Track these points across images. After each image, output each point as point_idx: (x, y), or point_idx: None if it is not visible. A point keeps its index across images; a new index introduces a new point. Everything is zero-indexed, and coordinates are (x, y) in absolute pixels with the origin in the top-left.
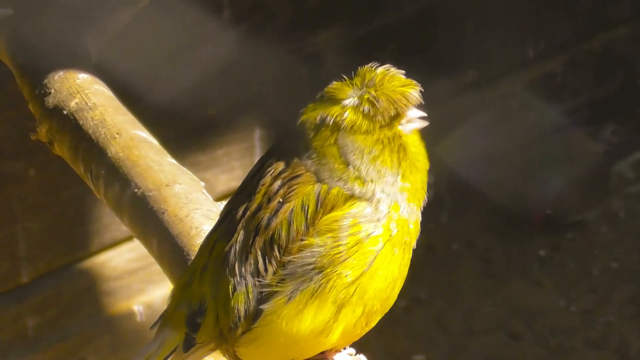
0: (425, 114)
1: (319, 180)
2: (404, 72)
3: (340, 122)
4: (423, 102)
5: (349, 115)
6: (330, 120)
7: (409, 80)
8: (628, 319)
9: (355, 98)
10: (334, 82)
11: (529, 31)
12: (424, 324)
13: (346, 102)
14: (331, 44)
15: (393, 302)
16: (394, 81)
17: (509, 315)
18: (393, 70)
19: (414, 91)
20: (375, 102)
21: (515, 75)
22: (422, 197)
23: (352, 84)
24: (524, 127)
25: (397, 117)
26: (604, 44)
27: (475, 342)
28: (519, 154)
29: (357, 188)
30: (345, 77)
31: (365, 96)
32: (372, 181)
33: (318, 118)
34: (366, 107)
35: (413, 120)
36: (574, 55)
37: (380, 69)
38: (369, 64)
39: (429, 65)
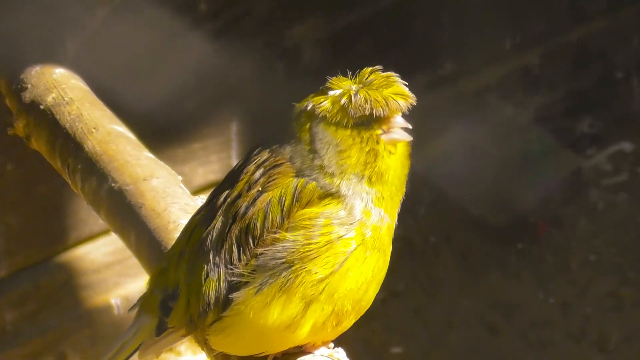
0: (409, 126)
1: (295, 168)
2: (406, 83)
3: (314, 109)
4: (407, 113)
5: (326, 105)
6: (309, 107)
7: (405, 91)
8: (606, 312)
9: (339, 90)
10: (339, 76)
11: (506, 24)
12: (402, 316)
13: (330, 92)
14: (307, 38)
15: (368, 305)
16: (390, 87)
17: (487, 308)
18: (395, 77)
19: (401, 101)
20: (353, 97)
21: (492, 68)
22: (392, 206)
23: (352, 81)
24: (500, 120)
25: (375, 119)
26: (580, 37)
27: (454, 335)
28: (496, 148)
29: (325, 181)
30: (350, 72)
31: (347, 90)
32: (334, 175)
33: (304, 105)
34: (344, 100)
35: (395, 130)
36: (550, 48)
37: (383, 74)
38: (376, 67)
39: (406, 58)
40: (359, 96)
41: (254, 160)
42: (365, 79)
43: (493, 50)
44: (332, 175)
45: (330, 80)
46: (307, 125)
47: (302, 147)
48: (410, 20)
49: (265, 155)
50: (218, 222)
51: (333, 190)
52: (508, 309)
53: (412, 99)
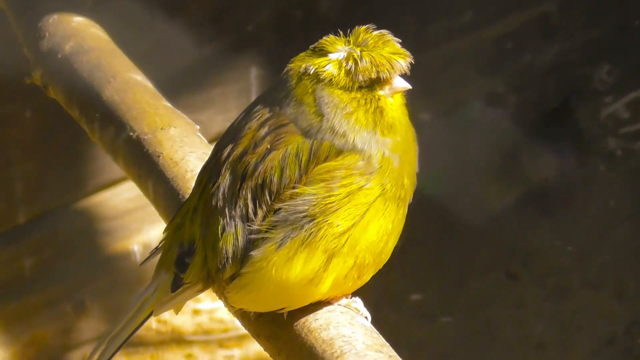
0: (409, 86)
1: (302, 130)
2: (400, 40)
3: (320, 74)
4: (409, 73)
5: (330, 68)
6: (311, 70)
7: (402, 50)
8: (625, 259)
9: (342, 53)
10: (330, 35)
11: None
12: (421, 264)
13: (332, 55)
14: None
15: (387, 257)
16: (386, 47)
17: (506, 255)
18: (389, 36)
19: (402, 61)
20: (359, 61)
21: (510, 17)
22: (409, 151)
23: (345, 41)
24: (519, 68)
25: (378, 81)
26: None
27: (472, 282)
28: (514, 96)
29: (337, 140)
30: (341, 32)
31: (351, 54)
32: (346, 134)
33: (302, 67)
34: (349, 64)
35: (396, 88)
36: None
37: (376, 32)
38: (367, 25)
39: (424, 7)
40: (364, 60)
41: (256, 117)
42: (359, 39)
43: None
44: (344, 134)
45: (322, 41)
46: (310, 89)
47: (305, 109)
48: None
49: (266, 113)
50: (226, 177)
51: (349, 146)
52: (526, 256)
53: (410, 57)
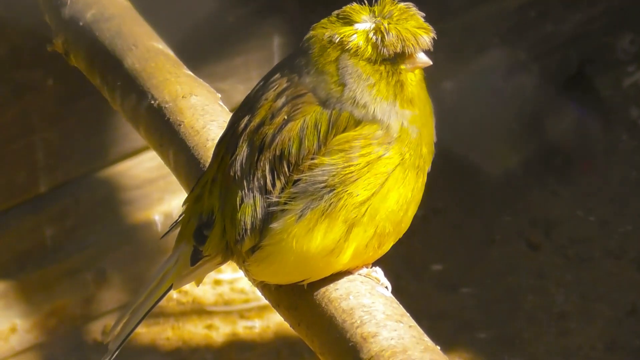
0: (431, 62)
1: (320, 100)
2: (424, 14)
3: (346, 43)
4: (432, 49)
5: (356, 39)
6: (337, 39)
7: (426, 24)
8: None
9: (368, 24)
10: (354, 4)
11: None
12: (442, 233)
13: (358, 25)
14: None
15: (407, 226)
16: (410, 20)
17: (527, 225)
18: (414, 9)
19: (426, 36)
20: (385, 34)
21: None
22: (427, 123)
23: (370, 11)
24: (541, 37)
25: (402, 55)
26: None
27: (494, 252)
28: (537, 65)
29: (357, 111)
30: (366, 1)
31: (378, 26)
32: (367, 105)
33: (326, 35)
34: (376, 36)
35: (416, 62)
36: None
37: (402, 4)
38: None
39: None
40: (391, 34)
41: (272, 87)
42: (385, 10)
43: None
44: (364, 105)
45: (347, 8)
46: (334, 58)
47: (326, 78)
48: None
49: (284, 83)
50: (244, 149)
51: (369, 117)
52: (548, 225)
53: (433, 32)
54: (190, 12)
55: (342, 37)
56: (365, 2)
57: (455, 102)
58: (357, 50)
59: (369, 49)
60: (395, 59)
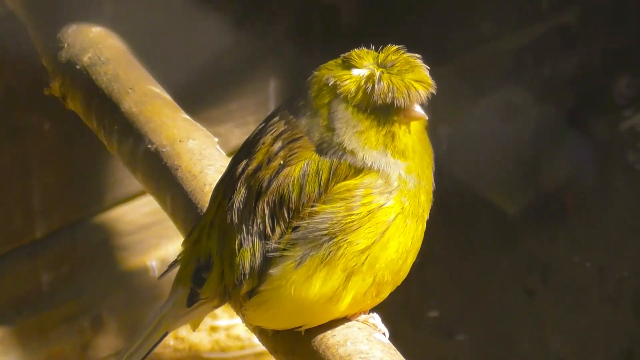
0: (426, 117)
1: (313, 142)
2: (429, 67)
3: (338, 87)
4: (427, 104)
5: (348, 85)
6: (331, 82)
7: (426, 78)
8: None
9: (365, 71)
10: (363, 48)
11: None
12: (439, 279)
13: (355, 71)
14: None
15: (406, 274)
16: (411, 72)
17: (523, 270)
18: (418, 62)
19: (422, 90)
20: (376, 83)
21: (529, 28)
22: (424, 172)
23: (375, 58)
24: (537, 80)
25: (393, 106)
26: None
27: (490, 298)
28: (533, 108)
29: (350, 157)
30: (372, 46)
31: (372, 74)
32: (355, 152)
33: (325, 77)
34: (368, 84)
35: (412, 116)
36: (588, 6)
37: (406, 55)
38: (399, 46)
39: (443, 18)
40: (382, 84)
41: (270, 130)
42: (387, 58)
43: (530, 9)
44: (353, 152)
45: (353, 52)
46: (327, 101)
47: (319, 121)
48: None
49: (281, 126)
50: (241, 193)
51: (359, 163)
52: (544, 271)
53: (432, 87)
54: (186, 56)
55: (335, 81)
56: (373, 47)
57: (452, 146)
58: (347, 95)
59: (359, 95)
60: (388, 110)
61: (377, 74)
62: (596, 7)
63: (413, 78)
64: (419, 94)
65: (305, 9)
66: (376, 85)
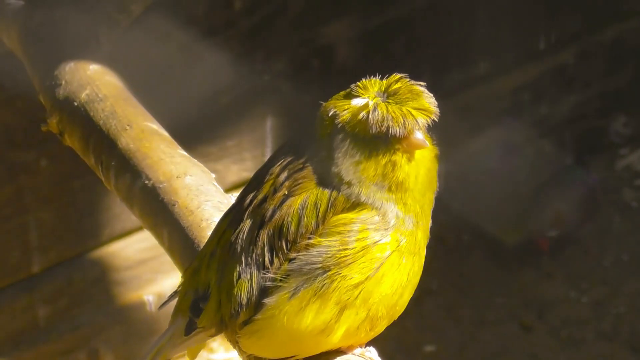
0: (427, 144)
1: (316, 173)
2: (432, 95)
3: (337, 117)
4: (426, 131)
5: (346, 114)
6: (332, 113)
7: (428, 106)
8: (639, 311)
9: (362, 100)
10: (371, 78)
11: (540, 22)
12: (435, 314)
13: (355, 101)
14: (342, 36)
15: (402, 310)
16: (413, 101)
17: (520, 306)
18: (421, 89)
19: (421, 119)
20: (370, 113)
21: (526, 68)
22: (422, 208)
23: (379, 87)
24: (535, 119)
25: (394, 135)
26: (615, 35)
27: (486, 333)
28: (531, 147)
29: (346, 190)
30: (379, 76)
31: (367, 103)
32: (352, 184)
33: (328, 108)
34: (364, 113)
35: (412, 143)
36: (585, 46)
37: (409, 83)
38: (402, 75)
39: (440, 57)
40: (376, 112)
41: (279, 162)
42: (390, 87)
43: (527, 49)
44: (350, 184)
45: (360, 82)
46: (328, 131)
47: (321, 152)
48: (445, 19)
49: (289, 157)
50: (246, 224)
51: (354, 199)
52: (540, 307)
53: (434, 114)
54: (183, 94)
55: (335, 111)
56: (380, 76)
57: (449, 184)
58: (345, 125)
59: (357, 125)
60: (389, 139)
61: (372, 103)
62: (593, 48)
63: (413, 106)
64: (417, 122)
65: (302, 48)
66: (370, 115)
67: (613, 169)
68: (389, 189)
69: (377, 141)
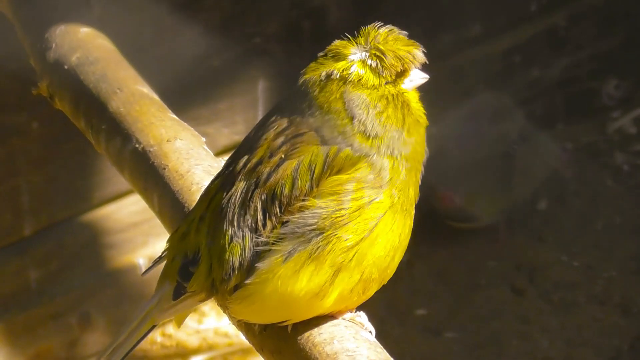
0: (427, 76)
1: (323, 138)
2: (407, 33)
3: (347, 76)
4: (427, 62)
5: (356, 69)
6: (336, 75)
7: (412, 41)
8: (631, 274)
9: (362, 53)
10: (337, 41)
11: None
12: (427, 278)
13: (353, 56)
14: None
15: (392, 272)
16: (398, 41)
17: (511, 270)
18: (397, 30)
19: (419, 51)
20: (384, 57)
21: (518, 30)
22: (422, 157)
23: (356, 42)
24: (526, 81)
25: (400, 75)
26: None
27: (478, 297)
28: (522, 110)
29: (361, 145)
30: (348, 35)
31: (373, 51)
32: (377, 136)
33: (323, 74)
34: (374, 61)
35: (415, 79)
36: (577, 9)
37: (384, 29)
38: (372, 24)
39: (432, 19)
40: (388, 56)
41: (272, 127)
42: (370, 37)
43: (519, 11)
44: (375, 136)
45: (332, 46)
46: (338, 94)
47: (332, 117)
48: None
49: (284, 123)
50: (239, 188)
51: (371, 151)
52: (532, 271)
53: (420, 46)
54: (175, 57)
55: (341, 72)
56: (348, 36)
57: (440, 147)
58: (359, 79)
59: (371, 75)
60: (395, 80)
61: (379, 48)
62: (585, 10)
63: (405, 44)
64: (420, 54)
65: (293, 10)
66: (385, 59)
67: (605, 132)
68: (408, 132)
69: (387, 86)
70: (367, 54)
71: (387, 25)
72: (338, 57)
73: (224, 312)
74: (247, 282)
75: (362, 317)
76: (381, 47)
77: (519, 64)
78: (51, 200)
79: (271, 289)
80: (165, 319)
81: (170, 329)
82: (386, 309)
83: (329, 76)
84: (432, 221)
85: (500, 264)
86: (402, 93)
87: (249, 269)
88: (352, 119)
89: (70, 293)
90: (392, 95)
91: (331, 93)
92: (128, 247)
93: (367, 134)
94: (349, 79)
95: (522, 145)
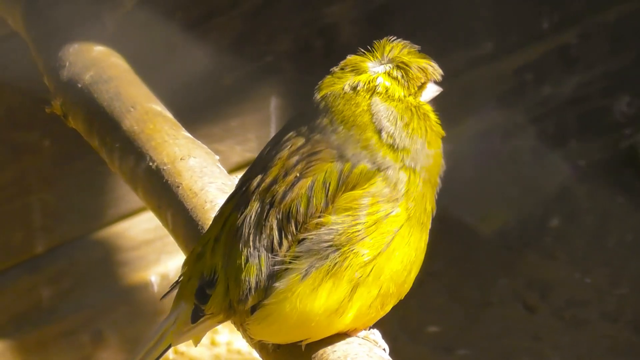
0: (441, 89)
1: (340, 154)
2: (419, 47)
3: (374, 88)
4: (444, 75)
5: (382, 81)
6: (362, 87)
7: (425, 55)
8: None
9: (384, 65)
10: (351, 55)
11: (544, 3)
12: (439, 295)
13: (375, 69)
14: (346, 15)
15: (409, 287)
16: (413, 54)
17: (523, 287)
18: (409, 44)
19: (436, 64)
20: (409, 69)
21: (529, 48)
22: (440, 170)
23: (372, 56)
24: (538, 99)
25: (422, 86)
26: (618, 15)
27: (490, 314)
28: (533, 127)
29: (385, 158)
30: (362, 50)
31: (397, 63)
32: (404, 148)
33: (347, 87)
34: (399, 73)
35: (431, 91)
36: (588, 27)
37: (397, 42)
38: (386, 37)
39: (443, 37)
40: (413, 67)
41: (287, 145)
42: (386, 51)
43: (531, 29)
44: (402, 149)
45: (347, 61)
46: (365, 107)
47: (358, 131)
48: None
49: (299, 141)
50: (254, 208)
51: (395, 164)
52: (544, 288)
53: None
54: (187, 75)
55: (367, 84)
56: (362, 51)
57: (451, 164)
58: (387, 90)
59: (397, 87)
60: (415, 93)
61: (402, 60)
62: (596, 28)
63: (420, 57)
64: (437, 67)
65: (305, 28)
66: (411, 70)
67: (617, 149)
68: (429, 144)
69: (410, 98)
70: (391, 65)
71: (400, 39)
72: (358, 70)
73: (242, 333)
74: (265, 302)
75: (376, 334)
76: (405, 59)
77: (531, 82)
78: (63, 218)
79: (290, 308)
80: (184, 341)
81: (183, 346)
82: (398, 326)
83: (354, 88)
84: (443, 238)
85: (512, 281)
86: (422, 105)
87: (266, 288)
88: (380, 131)
89: (82, 311)
90: (415, 107)
91: (357, 106)
92: (141, 265)
93: (395, 146)
94: (377, 90)
95: (533, 162)
